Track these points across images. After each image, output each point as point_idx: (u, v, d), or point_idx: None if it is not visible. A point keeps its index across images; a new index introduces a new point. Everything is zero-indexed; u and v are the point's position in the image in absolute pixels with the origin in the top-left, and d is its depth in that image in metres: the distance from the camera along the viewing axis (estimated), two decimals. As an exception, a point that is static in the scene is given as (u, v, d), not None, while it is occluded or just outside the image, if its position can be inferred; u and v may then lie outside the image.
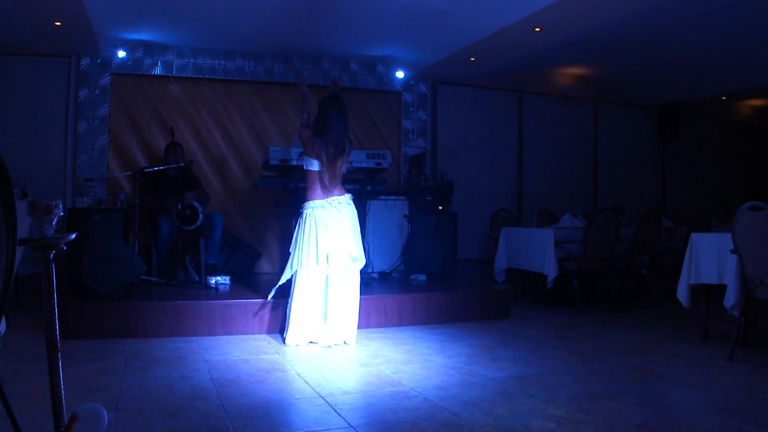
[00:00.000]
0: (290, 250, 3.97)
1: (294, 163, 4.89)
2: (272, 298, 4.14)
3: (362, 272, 4.20)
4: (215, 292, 4.66)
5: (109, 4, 5.05)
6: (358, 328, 4.25)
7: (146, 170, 5.04)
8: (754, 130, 10.07)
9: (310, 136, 3.90)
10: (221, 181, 6.62)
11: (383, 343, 3.97)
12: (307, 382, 2.99)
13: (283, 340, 3.94)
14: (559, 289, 5.42)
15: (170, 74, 6.45)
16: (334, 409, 2.56)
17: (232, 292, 4.74)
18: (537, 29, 5.52)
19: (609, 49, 6.77)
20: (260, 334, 4.19)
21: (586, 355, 3.64)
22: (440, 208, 6.17)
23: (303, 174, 4.07)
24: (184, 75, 6.50)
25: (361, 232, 4.10)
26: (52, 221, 1.96)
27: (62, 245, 1.83)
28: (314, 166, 3.90)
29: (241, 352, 3.67)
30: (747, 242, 3.42)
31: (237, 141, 6.71)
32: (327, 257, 3.86)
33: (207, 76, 6.60)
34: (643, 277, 6.00)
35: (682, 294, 4.04)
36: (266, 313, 4.26)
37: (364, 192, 5.32)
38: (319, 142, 3.87)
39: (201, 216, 5.05)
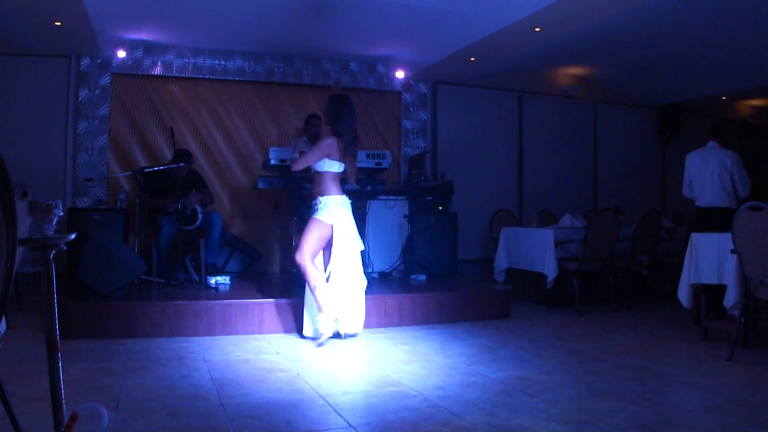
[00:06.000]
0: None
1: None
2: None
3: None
4: (215, 292, 4.66)
5: (109, 4, 5.06)
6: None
7: (146, 170, 5.04)
8: (754, 130, 10.07)
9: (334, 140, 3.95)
10: (221, 181, 6.63)
11: (383, 343, 3.97)
12: (307, 382, 2.99)
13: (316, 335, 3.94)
14: (559, 289, 5.42)
15: (170, 74, 6.46)
16: (334, 409, 2.56)
17: (232, 292, 4.74)
18: (537, 29, 5.52)
19: (609, 49, 6.78)
20: (260, 334, 4.19)
21: (586, 355, 3.64)
22: (440, 208, 6.16)
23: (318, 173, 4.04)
24: (184, 75, 6.51)
25: (361, 232, 4.15)
26: (52, 221, 1.95)
27: (62, 245, 1.83)
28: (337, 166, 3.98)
29: (241, 352, 3.67)
30: (747, 242, 3.42)
31: (237, 141, 6.71)
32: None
33: (207, 76, 6.60)
34: (643, 277, 6.00)
35: (682, 294, 4.04)
36: (266, 313, 4.25)
37: (364, 192, 5.32)
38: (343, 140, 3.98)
39: (200, 216, 5.05)
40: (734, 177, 4.67)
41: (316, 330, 3.93)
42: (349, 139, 3.96)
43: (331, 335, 3.90)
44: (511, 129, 8.01)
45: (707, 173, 4.78)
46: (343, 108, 3.97)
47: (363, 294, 4.06)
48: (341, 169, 3.97)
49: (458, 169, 7.24)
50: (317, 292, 3.85)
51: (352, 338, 4.07)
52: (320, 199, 3.93)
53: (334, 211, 3.90)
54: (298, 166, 3.92)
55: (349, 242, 3.97)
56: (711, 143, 4.85)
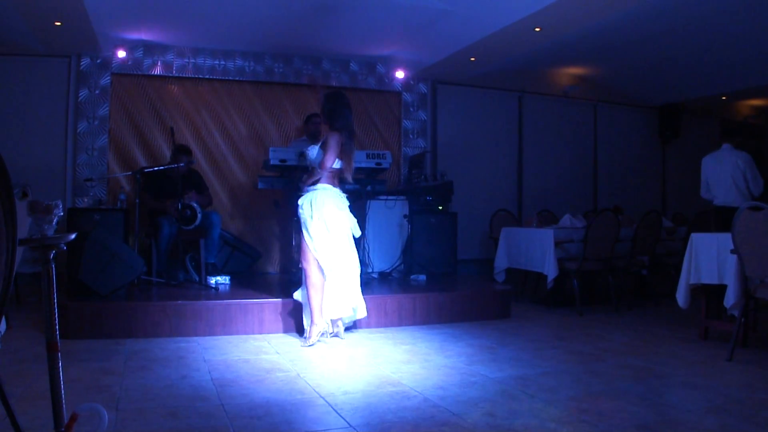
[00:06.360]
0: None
1: (293, 163, 4.88)
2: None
3: (362, 272, 4.20)
4: (215, 292, 4.66)
5: (109, 4, 5.06)
6: (359, 327, 4.27)
7: (146, 170, 5.04)
8: (754, 130, 10.07)
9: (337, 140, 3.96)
10: (221, 181, 6.62)
11: (383, 343, 3.97)
12: (307, 382, 2.99)
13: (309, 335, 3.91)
14: (559, 289, 5.42)
15: (170, 74, 6.46)
16: (334, 409, 2.56)
17: (232, 292, 4.74)
18: (537, 29, 5.52)
19: (609, 49, 6.77)
20: (260, 334, 4.19)
21: (586, 355, 3.64)
22: (440, 208, 6.16)
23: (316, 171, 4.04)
24: (184, 75, 6.51)
25: (361, 232, 4.15)
26: (52, 221, 1.95)
27: (62, 245, 1.83)
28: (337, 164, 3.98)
29: (241, 352, 3.67)
30: (747, 242, 3.42)
31: (237, 141, 6.71)
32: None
33: (207, 76, 6.60)
34: (643, 277, 6.00)
35: (680, 295, 4.03)
36: (266, 313, 4.25)
37: (364, 192, 5.32)
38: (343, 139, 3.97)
39: (200, 215, 5.05)
40: (747, 177, 4.82)
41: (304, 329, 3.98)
42: (346, 135, 3.96)
43: (319, 339, 3.89)
44: (511, 129, 8.01)
45: (722, 174, 5.02)
46: (338, 105, 3.98)
47: (358, 281, 4.03)
48: (338, 166, 3.98)
49: (458, 169, 7.24)
50: (313, 302, 3.88)
51: (353, 334, 4.08)
52: (302, 195, 3.94)
53: (311, 205, 3.88)
54: (324, 170, 3.91)
55: (333, 233, 3.92)
56: (725, 145, 5.08)
